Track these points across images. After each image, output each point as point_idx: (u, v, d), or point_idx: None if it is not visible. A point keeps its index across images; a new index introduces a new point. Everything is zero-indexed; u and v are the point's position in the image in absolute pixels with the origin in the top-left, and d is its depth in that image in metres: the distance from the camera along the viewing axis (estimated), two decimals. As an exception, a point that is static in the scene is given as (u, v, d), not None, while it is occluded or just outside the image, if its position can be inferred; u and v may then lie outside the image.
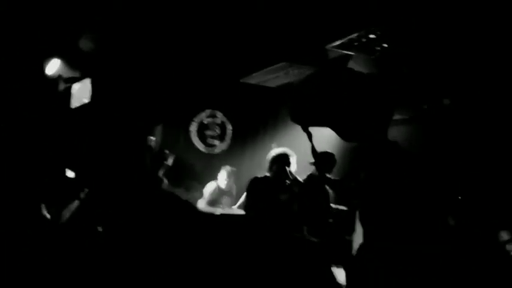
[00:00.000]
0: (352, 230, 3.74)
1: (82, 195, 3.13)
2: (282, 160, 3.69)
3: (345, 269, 2.82)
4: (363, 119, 1.62)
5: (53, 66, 4.53)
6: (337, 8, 3.55)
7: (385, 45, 3.79)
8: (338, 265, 3.24)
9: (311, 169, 4.27)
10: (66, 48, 4.48)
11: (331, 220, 4.10)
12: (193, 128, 6.13)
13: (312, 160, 4.29)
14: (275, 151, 3.81)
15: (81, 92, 3.93)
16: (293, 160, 3.73)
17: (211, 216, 4.14)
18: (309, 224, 3.84)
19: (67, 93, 4.16)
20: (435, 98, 1.96)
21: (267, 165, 3.74)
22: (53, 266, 2.35)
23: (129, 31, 4.34)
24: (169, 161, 5.07)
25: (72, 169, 3.50)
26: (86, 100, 3.67)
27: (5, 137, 3.64)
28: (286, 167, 3.65)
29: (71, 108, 3.91)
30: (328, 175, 4.36)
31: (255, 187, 3.65)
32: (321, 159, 4.25)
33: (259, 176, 3.74)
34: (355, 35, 3.74)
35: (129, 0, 3.80)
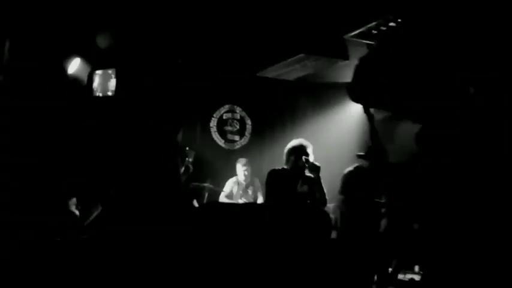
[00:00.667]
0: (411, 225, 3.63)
1: (107, 196, 3.15)
2: (298, 151, 3.70)
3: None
4: (434, 100, 1.51)
5: (74, 65, 4.58)
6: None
7: (408, 30, 3.65)
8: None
9: (356, 162, 4.14)
10: (85, 46, 4.52)
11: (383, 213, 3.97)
12: (213, 124, 6.11)
13: (359, 153, 4.21)
14: (291, 143, 3.81)
15: (104, 83, 3.92)
16: (310, 150, 3.73)
17: (228, 206, 4.09)
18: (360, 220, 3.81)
19: (89, 84, 4.17)
20: (461, 86, 1.86)
21: (284, 157, 3.76)
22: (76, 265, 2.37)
23: (145, 27, 4.34)
24: (191, 158, 5.07)
25: (97, 168, 3.52)
26: (110, 93, 3.66)
27: (28, 136, 3.69)
28: (304, 157, 3.64)
29: (93, 98, 3.90)
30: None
31: (274, 179, 3.66)
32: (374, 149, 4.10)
33: (277, 168, 3.75)
34: (374, 23, 3.63)
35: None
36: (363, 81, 1.63)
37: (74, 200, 4.18)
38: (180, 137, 5.51)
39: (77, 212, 4.18)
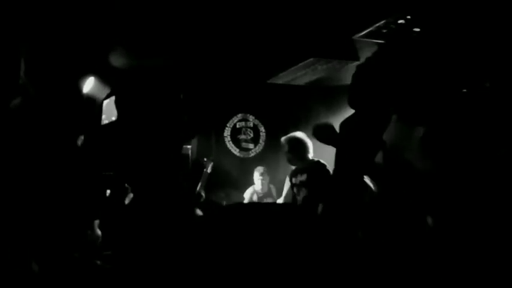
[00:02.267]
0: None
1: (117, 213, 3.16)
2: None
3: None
4: (430, 99, 1.51)
5: (88, 85, 4.63)
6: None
7: (417, 29, 3.60)
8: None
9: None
10: (99, 64, 4.57)
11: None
12: (226, 133, 6.11)
13: None
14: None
15: (109, 109, 3.99)
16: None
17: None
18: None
19: (99, 110, 4.24)
20: (475, 81, 1.82)
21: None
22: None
23: (156, 41, 4.37)
24: (209, 169, 5.07)
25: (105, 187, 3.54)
26: (114, 118, 3.71)
27: (46, 158, 3.73)
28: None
29: (102, 125, 3.98)
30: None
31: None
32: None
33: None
34: (383, 22, 3.58)
35: (154, 10, 3.81)
36: (362, 87, 1.63)
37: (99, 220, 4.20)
38: (194, 146, 5.54)
39: (99, 233, 4.20)
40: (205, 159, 4.98)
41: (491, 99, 1.90)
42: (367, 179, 4.36)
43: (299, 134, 4.05)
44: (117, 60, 4.73)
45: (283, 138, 4.12)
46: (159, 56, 4.81)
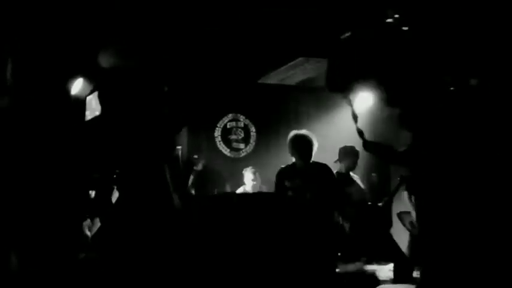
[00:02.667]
0: (390, 224, 3.62)
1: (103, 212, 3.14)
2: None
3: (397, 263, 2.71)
4: (409, 79, 1.51)
5: (77, 86, 4.59)
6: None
7: (405, 28, 3.61)
8: (380, 260, 3.15)
9: (336, 167, 4.23)
10: (87, 65, 4.53)
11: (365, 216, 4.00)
12: (217, 133, 6.09)
13: (336, 158, 4.27)
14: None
15: (92, 105, 3.95)
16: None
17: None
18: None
19: (83, 106, 4.18)
20: (461, 78, 1.83)
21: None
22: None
23: (146, 40, 4.34)
24: (199, 166, 5.05)
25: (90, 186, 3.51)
26: (98, 112, 3.67)
27: (33, 159, 3.69)
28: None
29: (86, 121, 3.94)
30: (351, 172, 4.29)
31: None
32: (344, 153, 4.20)
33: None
34: (371, 21, 3.59)
35: (143, 10, 3.79)
36: (339, 71, 1.63)
37: (88, 221, 4.16)
38: (183, 145, 5.52)
39: (89, 234, 4.17)
40: (195, 156, 4.96)
41: (478, 97, 1.91)
42: (357, 179, 4.40)
43: (305, 132, 3.73)
44: (102, 59, 4.68)
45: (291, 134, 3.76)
46: (146, 55, 4.78)
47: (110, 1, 3.51)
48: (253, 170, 5.08)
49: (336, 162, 4.26)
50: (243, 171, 5.14)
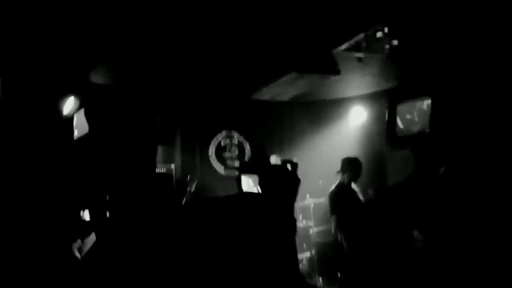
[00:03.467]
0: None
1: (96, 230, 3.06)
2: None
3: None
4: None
5: (69, 105, 4.54)
6: (340, 10, 3.43)
7: (395, 42, 3.64)
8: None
9: (337, 179, 4.20)
10: (79, 84, 4.49)
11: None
12: (211, 151, 6.04)
13: (339, 169, 4.24)
14: None
15: (81, 123, 3.90)
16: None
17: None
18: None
19: (71, 124, 4.14)
20: (443, 87, 1.82)
21: None
22: None
23: (138, 56, 4.33)
24: (193, 188, 4.97)
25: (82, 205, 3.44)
26: (86, 131, 3.62)
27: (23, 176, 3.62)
28: None
29: (75, 140, 3.89)
30: (353, 183, 4.25)
31: None
32: (347, 164, 4.17)
33: None
34: (362, 35, 3.61)
35: (134, 26, 3.77)
36: None
37: (79, 242, 4.07)
38: (178, 164, 5.45)
39: (79, 256, 4.06)
40: (188, 177, 4.90)
41: (465, 105, 1.89)
42: (358, 192, 4.35)
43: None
44: (94, 77, 4.66)
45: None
46: (138, 74, 4.77)
47: (102, 19, 3.50)
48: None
49: (338, 173, 4.20)
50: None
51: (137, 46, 4.06)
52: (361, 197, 4.36)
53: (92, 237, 3.20)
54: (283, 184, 2.89)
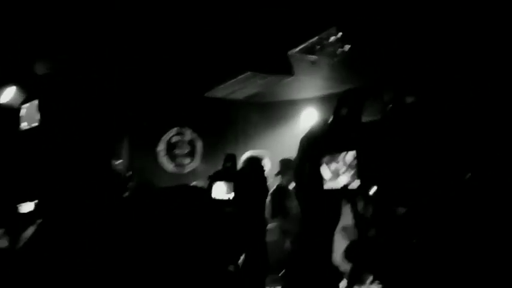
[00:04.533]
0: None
1: (37, 221, 2.88)
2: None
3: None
4: None
5: (8, 94, 4.27)
6: (296, 12, 3.44)
7: (348, 46, 3.70)
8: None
9: (277, 180, 4.20)
10: (21, 73, 4.24)
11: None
12: (160, 147, 5.88)
13: (277, 171, 4.23)
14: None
15: (30, 114, 3.68)
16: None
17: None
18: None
19: (16, 116, 3.89)
20: (398, 96, 1.85)
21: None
22: None
23: (89, 48, 4.13)
24: (132, 183, 4.81)
25: (25, 197, 3.23)
26: (36, 123, 3.41)
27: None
28: None
29: (21, 131, 3.66)
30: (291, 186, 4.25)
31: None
32: (285, 166, 4.15)
33: None
34: (316, 38, 3.65)
35: (90, 18, 3.60)
36: None
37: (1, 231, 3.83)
38: (125, 160, 5.26)
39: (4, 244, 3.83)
40: (130, 172, 4.73)
41: (415, 114, 1.92)
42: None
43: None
44: (40, 67, 4.41)
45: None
46: (89, 65, 4.56)
47: (51, 11, 3.30)
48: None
49: (277, 175, 4.20)
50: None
51: (85, 39, 3.88)
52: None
53: (29, 231, 2.99)
54: (257, 188, 2.85)
